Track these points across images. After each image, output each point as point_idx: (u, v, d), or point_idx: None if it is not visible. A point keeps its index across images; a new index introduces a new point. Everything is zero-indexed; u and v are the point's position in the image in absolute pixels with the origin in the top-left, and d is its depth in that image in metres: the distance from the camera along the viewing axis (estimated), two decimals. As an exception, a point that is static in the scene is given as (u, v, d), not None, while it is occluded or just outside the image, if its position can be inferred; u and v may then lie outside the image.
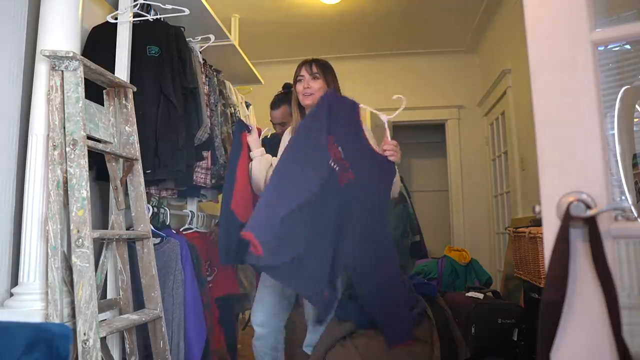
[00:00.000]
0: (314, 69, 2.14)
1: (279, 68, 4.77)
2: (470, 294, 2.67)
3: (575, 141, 0.75)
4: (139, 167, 1.80)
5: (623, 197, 1.20)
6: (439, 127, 4.99)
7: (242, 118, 2.81)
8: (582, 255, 0.73)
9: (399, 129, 5.08)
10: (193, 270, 2.13)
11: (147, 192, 1.92)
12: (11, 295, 1.53)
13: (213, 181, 2.46)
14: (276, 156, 2.22)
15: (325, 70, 2.17)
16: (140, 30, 2.02)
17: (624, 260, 1.07)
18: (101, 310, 1.65)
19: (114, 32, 1.97)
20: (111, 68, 1.86)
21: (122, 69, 1.91)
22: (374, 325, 2.06)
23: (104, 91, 1.80)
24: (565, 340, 0.72)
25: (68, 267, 1.48)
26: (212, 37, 2.50)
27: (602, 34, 0.77)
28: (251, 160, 2.16)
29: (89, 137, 1.57)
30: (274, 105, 2.63)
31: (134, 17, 1.99)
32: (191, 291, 2.07)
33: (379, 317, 1.84)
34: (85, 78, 1.56)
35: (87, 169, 1.49)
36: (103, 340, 1.64)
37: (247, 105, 3.21)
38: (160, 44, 2.04)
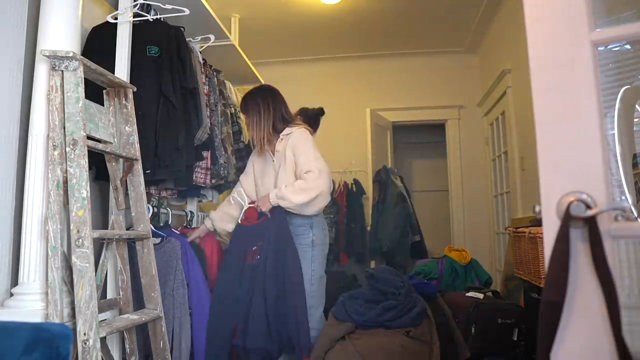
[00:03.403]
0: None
1: (279, 68, 4.79)
2: (470, 294, 2.67)
3: (575, 141, 0.75)
4: (139, 167, 1.80)
5: (623, 197, 1.20)
6: (439, 127, 4.98)
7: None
8: (582, 255, 0.73)
9: (399, 129, 5.09)
10: (201, 272, 2.14)
11: (147, 192, 1.92)
12: (11, 295, 1.53)
13: (213, 181, 2.46)
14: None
15: (245, 109, 2.46)
16: (140, 30, 2.02)
17: (624, 260, 1.07)
18: (101, 310, 1.65)
19: (114, 32, 1.96)
20: (111, 68, 1.86)
21: (122, 69, 1.91)
22: (371, 327, 2.08)
23: (104, 91, 1.80)
24: (565, 340, 0.72)
25: (68, 267, 1.48)
26: (212, 37, 2.50)
27: (602, 34, 0.77)
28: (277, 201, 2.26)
29: (89, 137, 1.57)
30: None
31: (134, 17, 1.99)
32: (196, 292, 2.09)
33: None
34: (85, 78, 1.56)
35: (87, 169, 1.49)
36: (103, 340, 1.64)
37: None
38: (160, 44, 2.03)
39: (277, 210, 2.23)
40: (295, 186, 2.20)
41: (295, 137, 2.31)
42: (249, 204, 2.34)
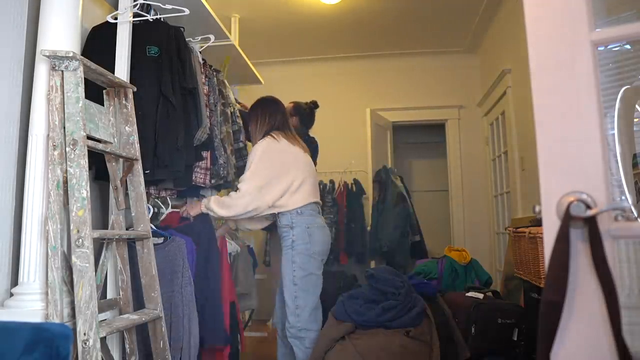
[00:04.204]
0: None
1: (279, 68, 4.79)
2: (470, 294, 2.67)
3: (575, 141, 0.75)
4: (139, 167, 1.80)
5: (623, 197, 1.20)
6: (439, 127, 4.99)
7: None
8: (582, 255, 0.73)
9: (399, 129, 5.09)
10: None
11: (147, 192, 1.92)
12: (11, 295, 1.53)
13: (212, 181, 2.46)
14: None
15: (248, 117, 2.59)
16: (140, 30, 2.02)
17: (624, 260, 1.07)
18: (101, 310, 1.65)
19: (114, 32, 1.96)
20: (111, 68, 1.86)
21: (122, 69, 1.91)
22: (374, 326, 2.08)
23: (104, 91, 1.80)
24: (565, 340, 0.73)
25: (68, 267, 1.48)
26: (212, 37, 2.50)
27: (602, 34, 0.77)
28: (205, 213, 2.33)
29: (89, 137, 1.56)
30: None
31: (133, 17, 1.99)
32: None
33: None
34: (85, 78, 1.56)
35: (87, 169, 1.49)
36: (103, 340, 1.64)
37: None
38: (159, 44, 2.03)
39: (202, 215, 2.31)
40: (222, 200, 2.28)
41: (255, 147, 2.40)
42: (172, 208, 2.40)
